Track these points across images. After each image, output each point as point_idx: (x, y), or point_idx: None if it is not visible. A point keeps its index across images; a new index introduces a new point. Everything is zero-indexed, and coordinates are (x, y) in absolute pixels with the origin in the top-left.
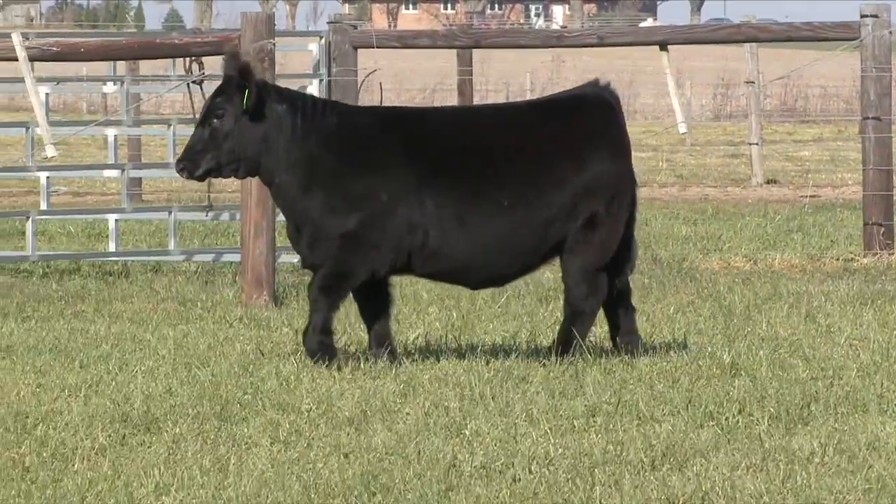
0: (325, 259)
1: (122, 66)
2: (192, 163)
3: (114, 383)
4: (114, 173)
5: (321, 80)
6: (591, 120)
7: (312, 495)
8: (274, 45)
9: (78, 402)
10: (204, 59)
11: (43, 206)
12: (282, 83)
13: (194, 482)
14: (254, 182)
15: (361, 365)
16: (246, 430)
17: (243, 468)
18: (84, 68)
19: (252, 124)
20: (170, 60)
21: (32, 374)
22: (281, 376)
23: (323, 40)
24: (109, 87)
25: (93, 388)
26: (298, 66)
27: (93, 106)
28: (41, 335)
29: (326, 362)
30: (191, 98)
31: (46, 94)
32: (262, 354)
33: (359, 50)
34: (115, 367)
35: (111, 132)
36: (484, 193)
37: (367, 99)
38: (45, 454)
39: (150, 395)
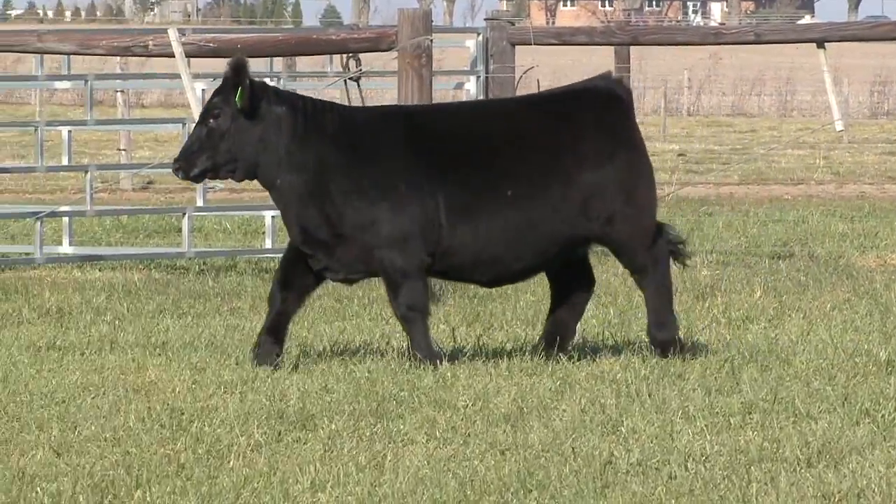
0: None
1: (279, 63)
2: (188, 163)
3: (269, 380)
4: None
5: (478, 77)
6: (599, 112)
7: (468, 492)
8: (431, 41)
9: (234, 398)
10: (361, 55)
11: (199, 203)
12: (439, 80)
13: (350, 479)
14: None
15: (518, 362)
16: (402, 426)
17: (399, 465)
18: None
19: (249, 125)
20: (327, 56)
21: (188, 371)
22: (437, 373)
23: (480, 37)
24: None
25: (248, 384)
26: (456, 63)
27: None
28: (197, 332)
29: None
30: (347, 94)
31: (203, 90)
32: None
33: (516, 47)
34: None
35: None
36: (490, 187)
37: None
38: (200, 451)
39: (305, 392)
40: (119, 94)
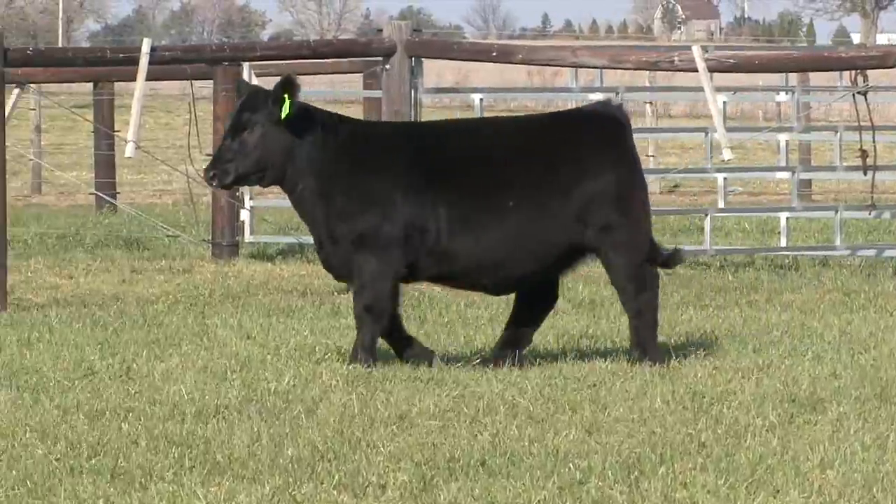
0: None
1: (793, 77)
2: (223, 172)
3: (783, 366)
4: (785, 175)
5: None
6: (598, 132)
7: None
8: None
9: (750, 383)
10: (868, 71)
11: (720, 205)
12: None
13: (856, 457)
14: None
15: None
16: None
17: None
18: (759, 79)
19: (278, 136)
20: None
21: (709, 358)
22: None
23: None
24: (782, 97)
25: (764, 370)
26: None
27: (767, 114)
28: (717, 322)
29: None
30: (856, 107)
31: (724, 102)
32: None
33: None
34: (784, 351)
35: (783, 137)
36: (493, 199)
37: None
38: (719, 431)
39: (816, 378)
40: (648, 105)
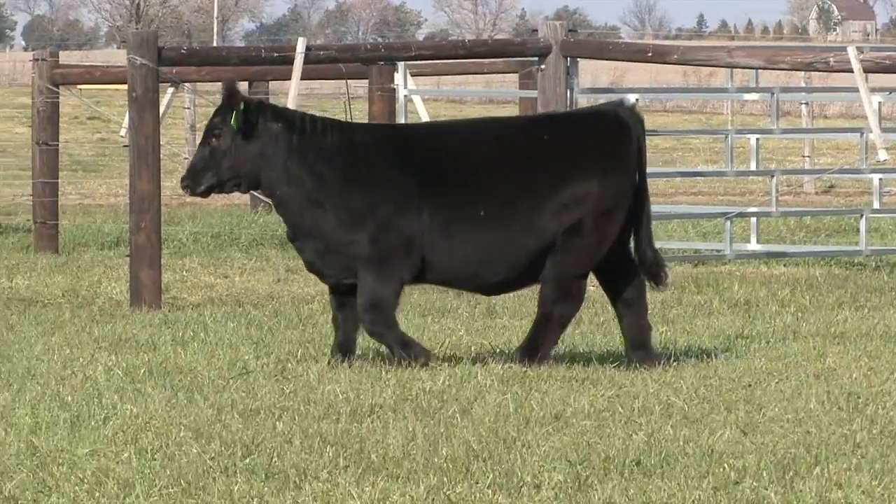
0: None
1: None
2: (194, 181)
3: None
4: None
5: None
6: (599, 135)
7: None
8: None
9: None
10: None
11: (875, 206)
12: None
13: None
14: None
15: None
16: None
17: None
18: None
19: (247, 142)
20: None
21: (865, 359)
22: None
23: None
24: None
25: None
26: None
27: None
28: (873, 322)
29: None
30: None
31: (879, 102)
32: None
33: None
34: None
35: None
36: (475, 201)
37: None
38: (874, 431)
39: None
40: (803, 105)
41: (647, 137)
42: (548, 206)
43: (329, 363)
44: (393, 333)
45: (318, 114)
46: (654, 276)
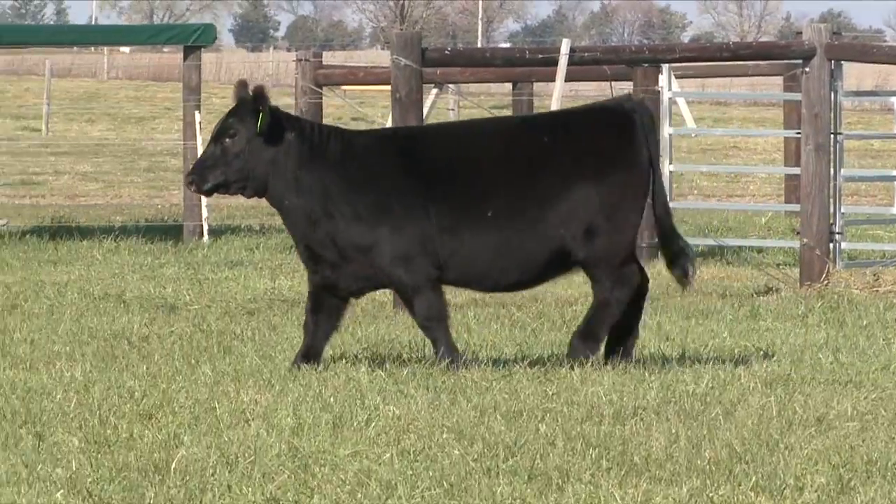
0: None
1: None
2: (201, 177)
3: None
4: None
5: None
6: (600, 131)
7: None
8: None
9: None
10: None
11: None
12: None
13: None
14: None
15: None
16: None
17: None
18: None
19: (262, 146)
20: None
21: None
22: None
23: None
24: None
25: None
26: None
27: None
28: None
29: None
30: None
31: None
32: None
33: None
34: None
35: None
36: (481, 202)
37: None
38: None
39: None
40: None
41: None
42: (558, 203)
43: (291, 370)
44: (443, 328)
45: None
46: (682, 269)
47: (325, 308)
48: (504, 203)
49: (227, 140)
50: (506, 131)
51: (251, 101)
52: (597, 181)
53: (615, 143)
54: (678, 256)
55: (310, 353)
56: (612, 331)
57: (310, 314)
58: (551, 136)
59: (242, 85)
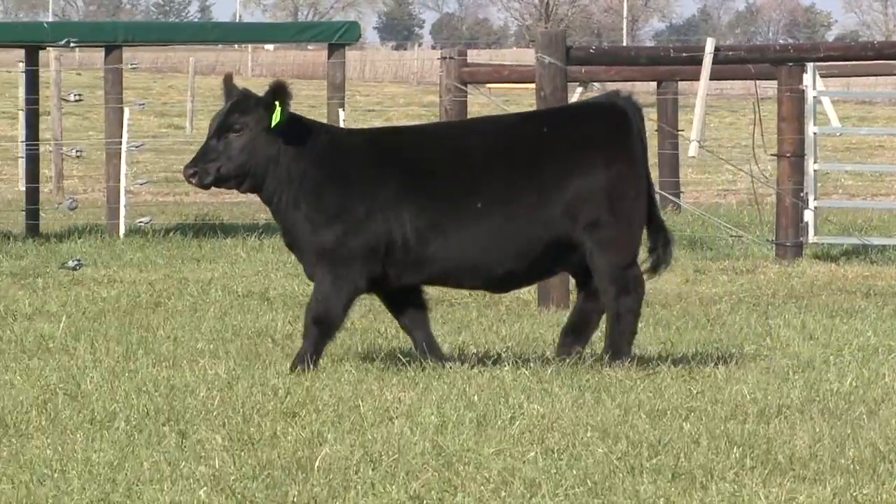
0: None
1: None
2: (203, 171)
3: None
4: None
5: None
6: (596, 126)
7: None
8: None
9: None
10: None
11: None
12: None
13: None
14: None
15: None
16: None
17: None
18: None
19: (267, 143)
20: None
21: None
22: None
23: None
24: None
25: None
26: None
27: None
28: None
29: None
30: None
31: None
32: None
33: None
34: None
35: None
36: (470, 199)
37: None
38: None
39: None
40: None
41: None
42: (551, 201)
43: (435, 368)
44: (321, 338)
45: (727, 114)
46: (654, 265)
47: (394, 301)
48: (496, 197)
49: (232, 134)
50: (502, 128)
51: (255, 97)
52: (596, 175)
53: (612, 137)
54: (654, 252)
55: (424, 347)
56: (574, 316)
57: (392, 314)
58: (548, 131)
59: (230, 78)
